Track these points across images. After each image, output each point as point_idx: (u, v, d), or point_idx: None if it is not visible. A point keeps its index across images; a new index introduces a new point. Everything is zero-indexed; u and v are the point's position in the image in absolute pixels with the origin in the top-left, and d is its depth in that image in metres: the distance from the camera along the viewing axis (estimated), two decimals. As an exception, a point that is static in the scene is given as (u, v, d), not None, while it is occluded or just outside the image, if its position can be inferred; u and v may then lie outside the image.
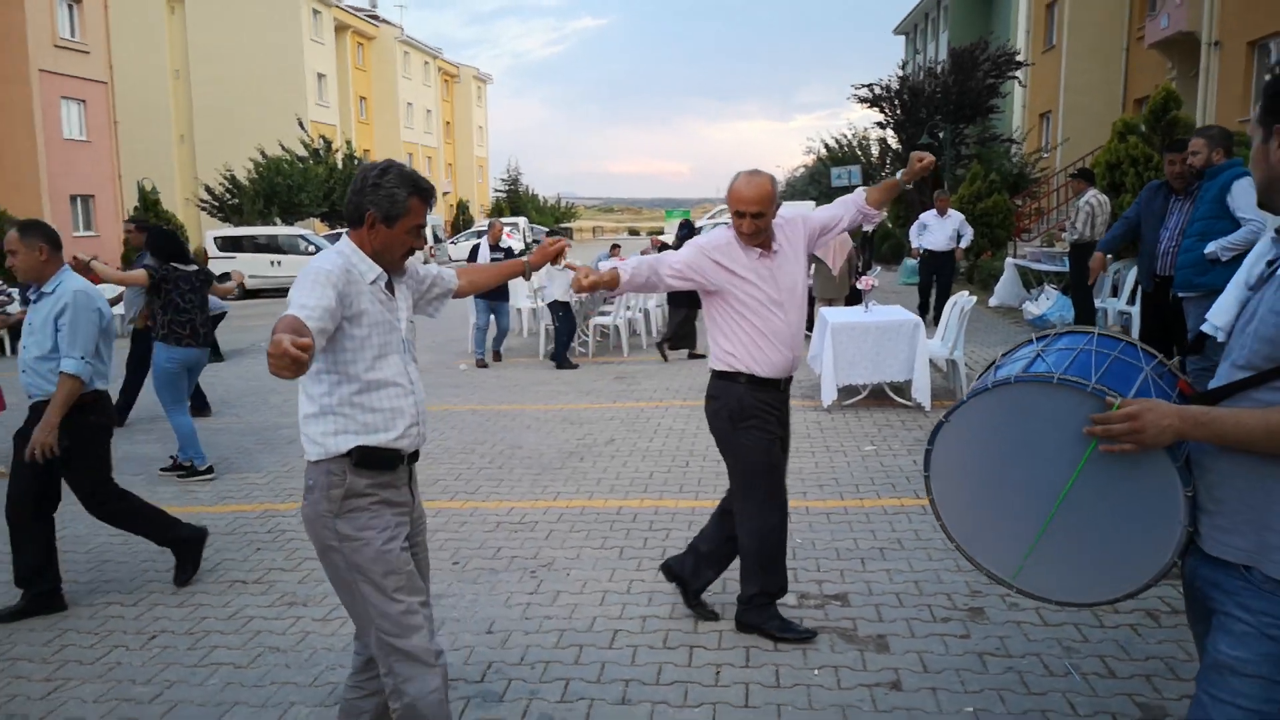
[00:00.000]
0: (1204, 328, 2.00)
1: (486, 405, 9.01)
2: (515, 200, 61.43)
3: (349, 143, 39.29)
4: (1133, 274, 9.90)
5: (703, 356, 11.25)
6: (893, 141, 27.55)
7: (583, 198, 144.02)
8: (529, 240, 42.68)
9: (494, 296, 11.30)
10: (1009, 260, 15.46)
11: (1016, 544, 2.15)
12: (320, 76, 44.85)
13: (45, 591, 4.43)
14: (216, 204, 32.34)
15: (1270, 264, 1.93)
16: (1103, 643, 3.73)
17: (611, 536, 5.20)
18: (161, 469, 6.84)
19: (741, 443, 3.72)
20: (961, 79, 23.71)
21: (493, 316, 11.54)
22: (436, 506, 5.84)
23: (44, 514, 4.44)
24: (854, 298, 11.00)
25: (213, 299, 8.02)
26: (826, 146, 34.73)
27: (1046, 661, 3.60)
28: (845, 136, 34.21)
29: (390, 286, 2.75)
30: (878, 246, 22.06)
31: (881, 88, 25.29)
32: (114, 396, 5.77)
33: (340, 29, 48.05)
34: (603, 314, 12.46)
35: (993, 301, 14.60)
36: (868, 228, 4.03)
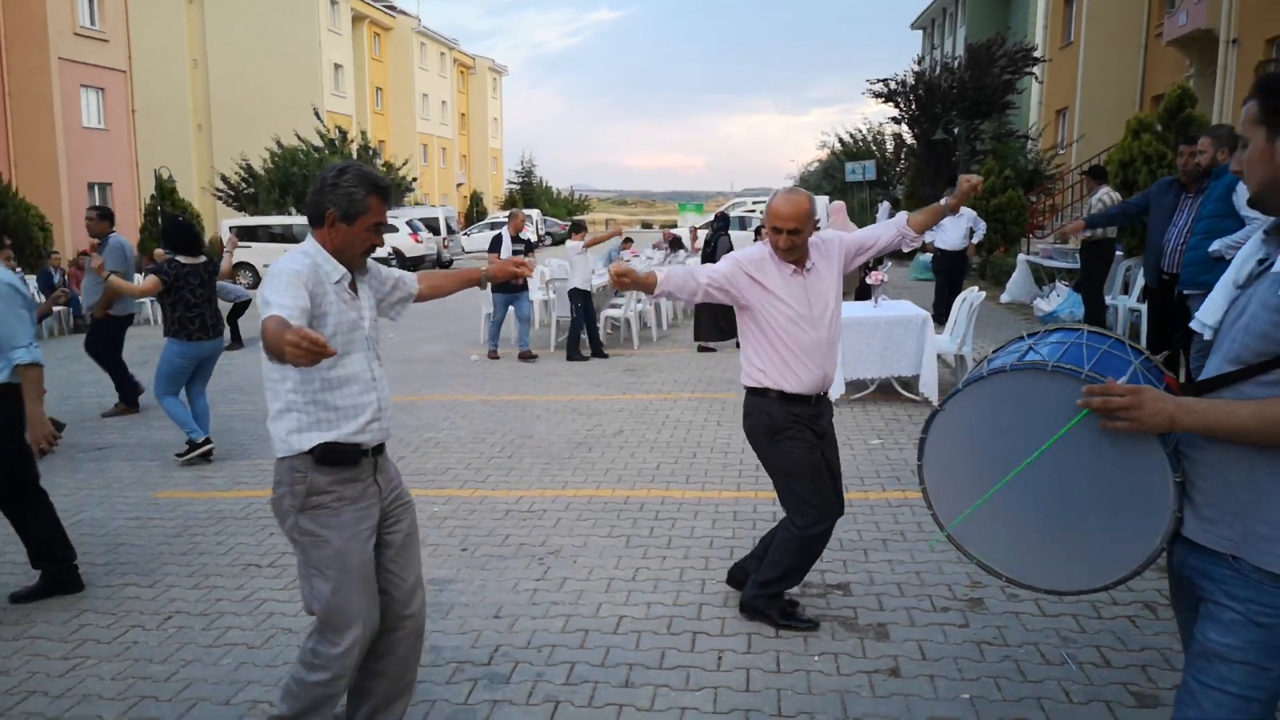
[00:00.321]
0: (1192, 324, 2.05)
1: (497, 395, 9.09)
2: (529, 192, 61.48)
3: (364, 133, 39.38)
4: (1143, 272, 9.89)
5: (711, 349, 11.32)
6: (908, 136, 27.49)
7: (597, 190, 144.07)
8: (542, 232, 42.79)
9: (511, 289, 11.20)
10: (1021, 256, 15.44)
11: (970, 496, 2.20)
12: (337, 67, 44.99)
13: (60, 570, 4.52)
14: (232, 193, 32.52)
15: (1261, 262, 1.97)
16: (1100, 633, 3.79)
17: (618, 525, 5.28)
18: (177, 454, 6.94)
19: (778, 453, 3.79)
20: (978, 74, 23.64)
21: (511, 309, 11.42)
22: (447, 494, 5.93)
23: (23, 493, 4.45)
24: (864, 292, 11.03)
25: (236, 287, 8.06)
26: (841, 141, 34.73)
27: (1044, 651, 3.66)
28: (860, 131, 34.23)
29: (354, 286, 2.85)
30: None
31: (897, 83, 25.22)
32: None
33: (357, 19, 48.16)
34: (614, 306, 12.52)
35: (1004, 298, 14.59)
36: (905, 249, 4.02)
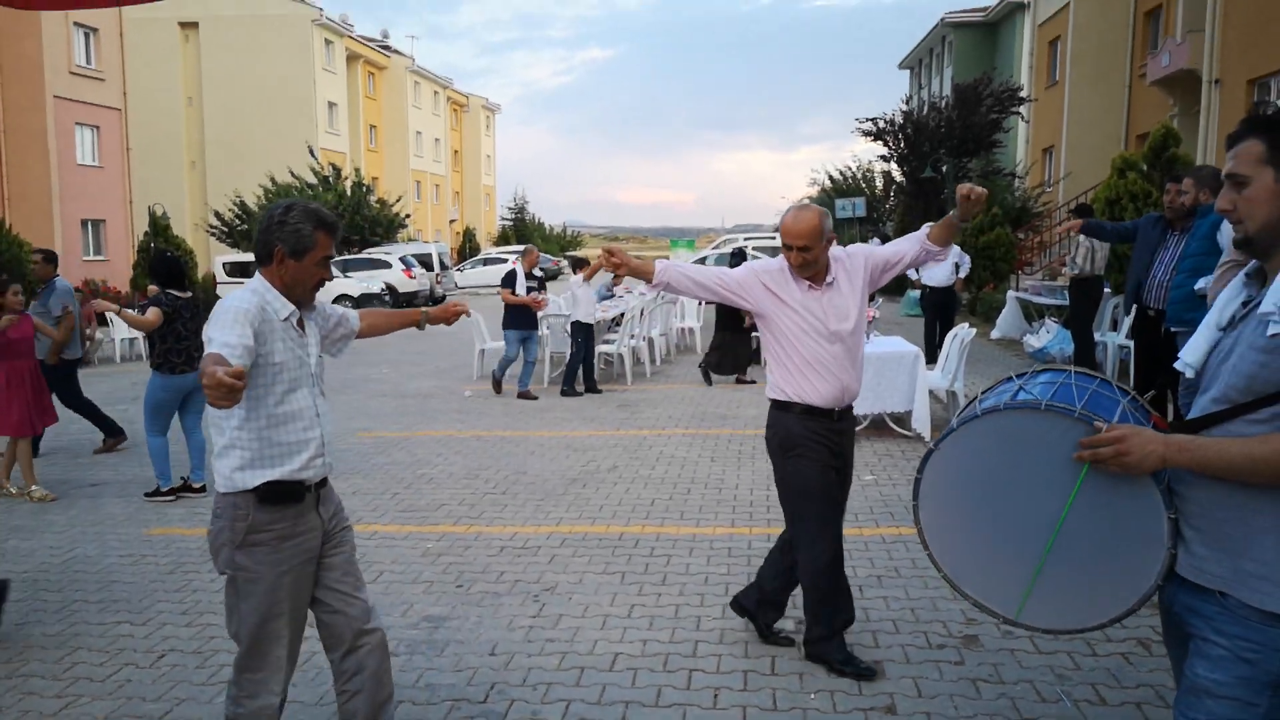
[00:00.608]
0: (1176, 365, 2.09)
1: (490, 431, 9.10)
2: (522, 228, 61.77)
3: (358, 170, 39.65)
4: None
5: (752, 382, 11.49)
6: (897, 174, 27.80)
7: (589, 226, 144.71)
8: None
9: (526, 326, 10.99)
10: (1010, 293, 15.57)
11: (1015, 580, 2.19)
12: (331, 105, 45.39)
13: None
14: (226, 230, 32.65)
15: (1245, 304, 2.01)
16: (1095, 670, 3.80)
17: (613, 562, 5.28)
18: (146, 493, 6.99)
19: (789, 470, 3.78)
20: (965, 114, 23.99)
21: (521, 348, 11.16)
22: (441, 530, 5.93)
23: None
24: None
25: None
26: (831, 178, 35.04)
27: (1039, 688, 3.67)
28: (849, 169, 34.55)
29: (301, 323, 2.90)
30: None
31: (886, 121, 25.56)
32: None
33: (352, 59, 48.66)
34: (607, 342, 12.57)
35: (994, 334, 14.70)
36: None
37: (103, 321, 17.94)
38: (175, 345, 6.82)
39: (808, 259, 3.61)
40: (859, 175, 33.92)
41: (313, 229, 2.82)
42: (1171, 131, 12.87)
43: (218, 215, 33.10)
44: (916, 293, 16.76)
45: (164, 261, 7.21)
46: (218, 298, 7.44)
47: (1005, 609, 2.25)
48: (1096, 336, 10.78)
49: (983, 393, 2.39)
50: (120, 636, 4.43)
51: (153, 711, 3.69)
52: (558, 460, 7.80)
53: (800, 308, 3.67)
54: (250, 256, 27.07)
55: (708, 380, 11.72)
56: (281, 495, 2.80)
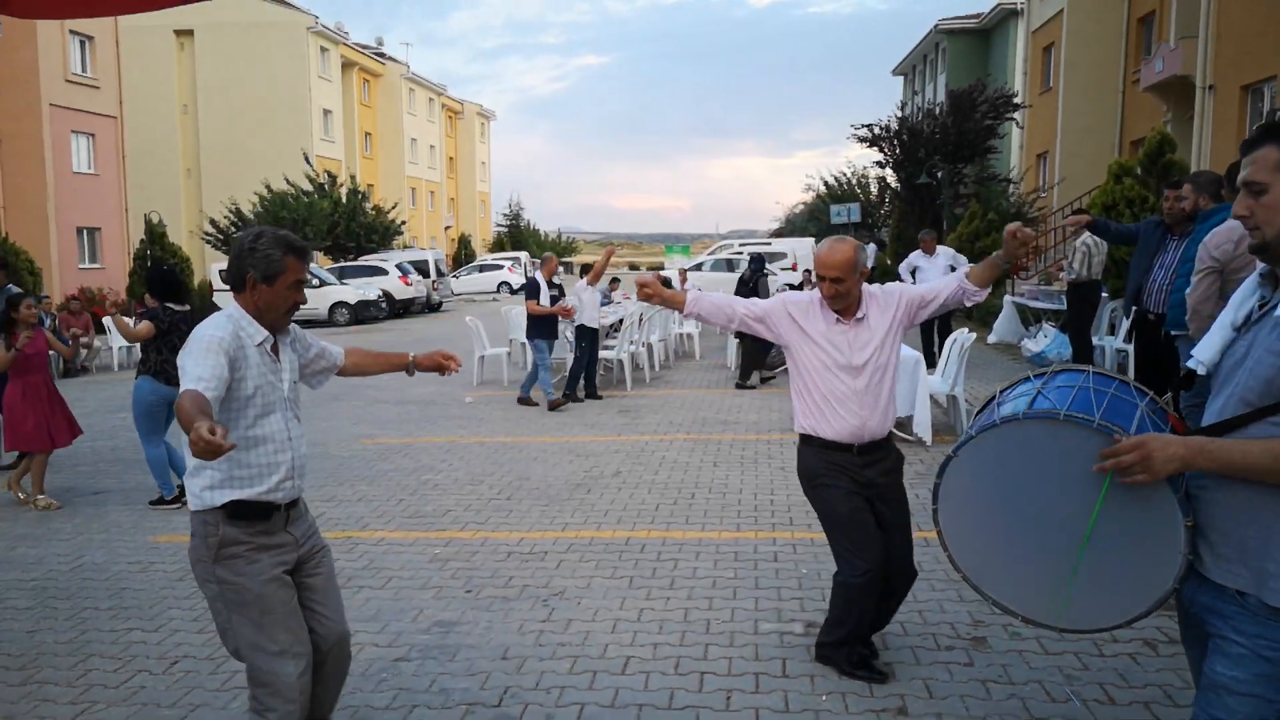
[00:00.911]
0: (1190, 364, 2.12)
1: (492, 438, 9.13)
2: (517, 235, 61.87)
3: (353, 177, 39.67)
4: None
5: (772, 377, 12.02)
6: (892, 180, 27.90)
7: (584, 232, 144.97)
8: (529, 274, 42.96)
9: (552, 335, 10.80)
10: (1007, 298, 15.62)
11: (1049, 588, 2.23)
12: (326, 112, 45.41)
13: None
14: (221, 237, 32.62)
15: (1262, 305, 2.05)
16: (1103, 670, 3.84)
17: (621, 566, 5.31)
18: (150, 501, 7.02)
19: (817, 499, 3.82)
20: (960, 120, 24.08)
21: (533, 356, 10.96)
22: (448, 536, 5.95)
23: None
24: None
25: None
26: (826, 184, 35.16)
27: (1048, 688, 3.70)
28: (844, 174, 34.67)
29: (276, 349, 2.97)
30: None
31: (881, 128, 25.64)
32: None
33: (347, 66, 48.70)
34: (606, 347, 12.59)
35: (991, 338, 14.74)
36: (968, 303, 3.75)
37: (101, 330, 17.95)
38: (170, 357, 6.83)
39: (840, 290, 3.60)
40: (854, 181, 34.04)
41: (282, 254, 2.89)
42: (1167, 137, 12.97)
43: (213, 223, 33.08)
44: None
45: (162, 274, 7.24)
46: (214, 305, 7.45)
47: (1047, 618, 2.28)
48: (1094, 341, 10.84)
49: (1000, 392, 2.43)
50: (133, 644, 4.45)
51: (169, 717, 3.71)
52: (561, 466, 7.83)
53: (824, 341, 3.66)
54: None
55: (746, 385, 12.00)
56: (250, 512, 2.87)
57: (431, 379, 13.21)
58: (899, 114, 26.69)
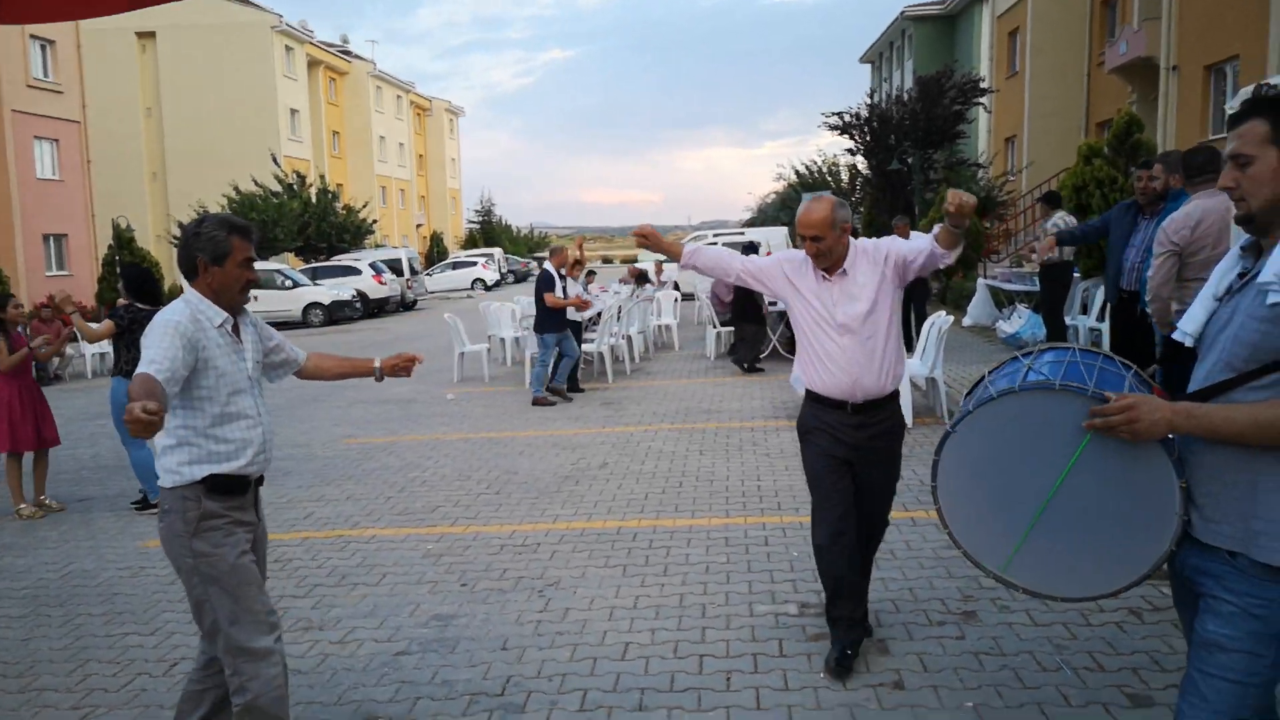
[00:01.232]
0: (1175, 335, 2.20)
1: (476, 433, 9.14)
2: (489, 231, 61.63)
3: (322, 177, 39.37)
4: (1101, 292, 10.22)
5: (761, 370, 12.15)
6: (863, 167, 28.04)
7: (556, 227, 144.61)
8: (503, 270, 42.90)
9: (559, 329, 10.63)
10: (980, 281, 15.82)
11: (1008, 537, 2.33)
12: (293, 112, 44.99)
13: None
14: (191, 241, 32.25)
15: (1242, 275, 2.13)
16: (1090, 639, 3.94)
17: (614, 555, 5.36)
18: (132, 502, 7.03)
19: (803, 453, 3.87)
20: (928, 106, 24.23)
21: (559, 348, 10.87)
22: (439, 532, 5.97)
23: None
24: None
25: None
26: (797, 173, 35.26)
27: (1039, 658, 3.80)
28: (815, 163, 34.76)
29: (236, 329, 3.08)
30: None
31: (851, 115, 25.76)
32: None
33: (313, 65, 48.26)
34: (587, 341, 12.61)
35: (966, 321, 14.92)
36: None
37: (73, 337, 17.73)
38: (139, 355, 6.83)
39: (821, 249, 3.64)
40: (825, 169, 34.16)
41: (226, 234, 3.02)
42: (1134, 117, 13.15)
43: (181, 226, 32.71)
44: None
45: (140, 273, 7.27)
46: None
47: (994, 564, 2.37)
48: (1068, 320, 11.00)
49: (989, 373, 2.50)
50: (130, 648, 4.44)
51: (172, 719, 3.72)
52: (548, 459, 7.86)
53: (813, 297, 3.71)
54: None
55: (744, 369, 12.20)
56: (228, 487, 2.98)
57: (411, 377, 13.17)
58: (869, 101, 26.83)
